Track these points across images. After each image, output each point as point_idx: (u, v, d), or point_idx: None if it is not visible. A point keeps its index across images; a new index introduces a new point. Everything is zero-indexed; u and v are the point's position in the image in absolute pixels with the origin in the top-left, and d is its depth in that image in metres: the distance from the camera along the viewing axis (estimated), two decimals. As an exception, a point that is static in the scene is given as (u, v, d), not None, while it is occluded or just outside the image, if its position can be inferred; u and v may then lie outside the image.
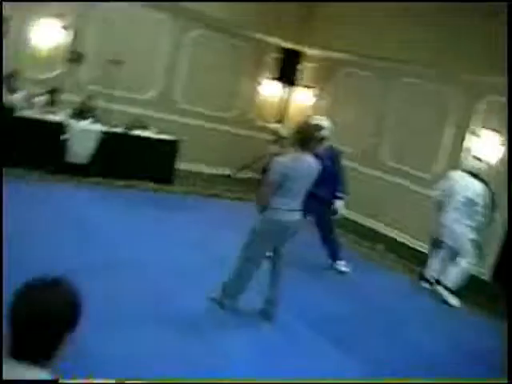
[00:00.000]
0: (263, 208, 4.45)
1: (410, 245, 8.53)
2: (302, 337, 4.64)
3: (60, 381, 1.58)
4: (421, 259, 7.25)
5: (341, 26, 9.74)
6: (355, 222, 9.08)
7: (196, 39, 9.96)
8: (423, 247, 7.88)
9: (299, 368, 4.06)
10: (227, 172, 10.56)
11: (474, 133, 7.90)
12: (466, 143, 8.05)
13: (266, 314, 4.72)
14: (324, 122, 6.12)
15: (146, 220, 6.90)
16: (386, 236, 8.84)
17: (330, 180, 5.88)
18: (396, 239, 8.73)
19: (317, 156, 4.64)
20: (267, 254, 4.71)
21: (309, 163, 4.45)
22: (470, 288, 6.43)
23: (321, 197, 5.88)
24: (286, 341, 4.48)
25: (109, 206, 7.13)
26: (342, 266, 6.55)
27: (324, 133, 5.83)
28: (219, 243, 6.29)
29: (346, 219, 8.72)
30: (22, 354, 1.55)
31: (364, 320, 5.36)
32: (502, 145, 7.46)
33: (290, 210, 4.41)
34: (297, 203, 4.47)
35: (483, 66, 7.46)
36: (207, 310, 4.68)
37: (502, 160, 7.47)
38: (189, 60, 9.99)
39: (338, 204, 6.31)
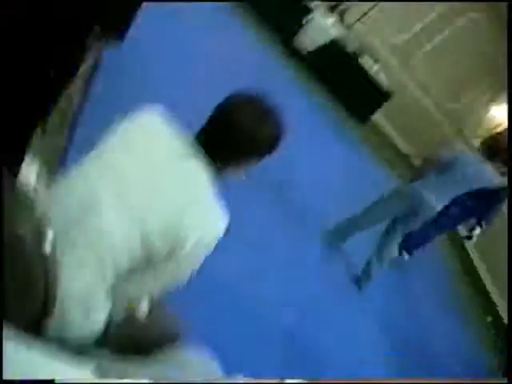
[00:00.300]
0: (415, 178, 4.32)
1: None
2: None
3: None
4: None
5: None
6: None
7: (463, 24, 9.40)
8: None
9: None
10: (408, 152, 10.25)
11: None
12: None
13: (360, 278, 4.62)
14: None
15: (323, 140, 7.14)
16: (497, 308, 7.96)
17: (486, 200, 5.36)
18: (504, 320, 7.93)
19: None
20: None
21: (488, 172, 4.08)
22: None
23: (466, 208, 5.47)
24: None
25: (305, 102, 7.52)
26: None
27: None
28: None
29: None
30: (206, 149, 1.51)
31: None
32: None
33: (434, 193, 4.15)
34: (445, 194, 4.21)
35: None
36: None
37: None
38: (446, 38, 9.58)
39: (477, 232, 5.77)
